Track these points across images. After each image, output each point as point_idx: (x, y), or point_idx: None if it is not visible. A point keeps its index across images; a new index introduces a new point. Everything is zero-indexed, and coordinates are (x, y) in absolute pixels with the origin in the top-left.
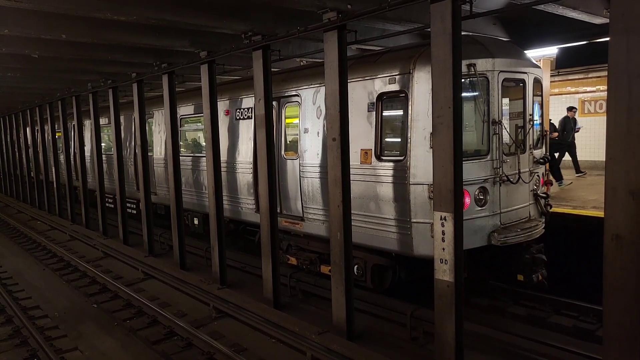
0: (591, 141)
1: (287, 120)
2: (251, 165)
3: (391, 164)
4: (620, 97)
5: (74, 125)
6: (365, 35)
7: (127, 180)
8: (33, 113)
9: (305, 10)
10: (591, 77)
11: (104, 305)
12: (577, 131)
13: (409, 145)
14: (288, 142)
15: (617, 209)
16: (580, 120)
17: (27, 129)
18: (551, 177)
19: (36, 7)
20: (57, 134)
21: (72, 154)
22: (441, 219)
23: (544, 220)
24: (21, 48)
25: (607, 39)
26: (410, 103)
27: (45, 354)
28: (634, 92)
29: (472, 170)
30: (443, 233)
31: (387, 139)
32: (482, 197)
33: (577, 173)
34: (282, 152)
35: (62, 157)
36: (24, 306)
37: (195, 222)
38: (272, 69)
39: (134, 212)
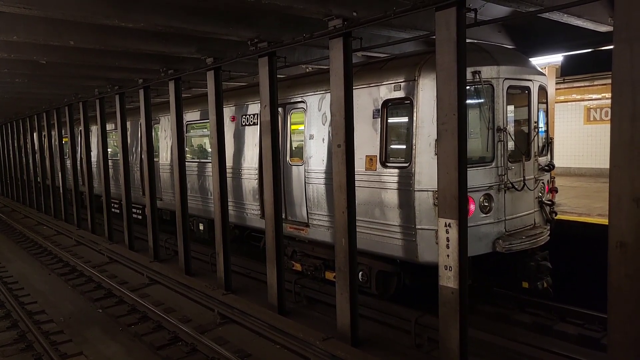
0: (597, 149)
1: (293, 127)
2: (256, 171)
3: (396, 170)
4: (624, 105)
5: (80, 130)
6: (371, 42)
7: (133, 186)
8: (40, 118)
9: (311, 18)
10: (596, 85)
11: (109, 310)
12: None
13: (413, 151)
14: (293, 149)
15: (621, 216)
16: (586, 128)
17: (34, 134)
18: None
19: (45, 14)
20: (64, 140)
21: (78, 159)
22: (446, 225)
23: (549, 227)
24: (29, 54)
25: (612, 47)
26: (415, 110)
27: (50, 358)
28: (638, 100)
29: (477, 177)
30: (447, 240)
31: (392, 146)
32: (486, 204)
33: None
34: (288, 158)
35: (68, 163)
36: (30, 311)
37: (201, 227)
38: (278, 76)
39: (140, 217)
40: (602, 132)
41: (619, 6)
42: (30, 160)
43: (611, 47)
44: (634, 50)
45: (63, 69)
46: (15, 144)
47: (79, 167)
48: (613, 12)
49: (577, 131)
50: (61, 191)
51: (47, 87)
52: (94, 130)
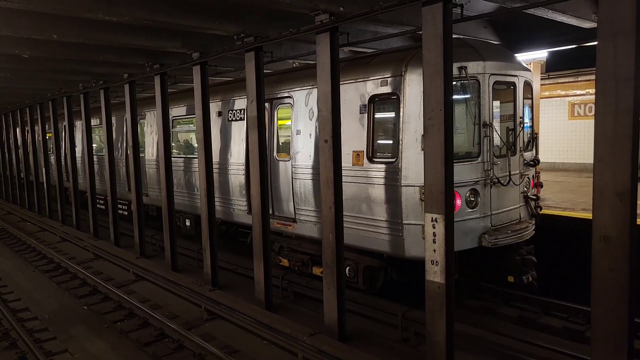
0: (581, 144)
1: (280, 122)
2: (243, 167)
3: (383, 165)
4: (607, 100)
5: (64, 125)
6: (358, 37)
7: (119, 182)
8: (23, 113)
9: (297, 12)
10: (581, 81)
11: (94, 307)
12: None
13: (400, 147)
14: (280, 144)
15: (605, 210)
16: (570, 123)
17: (17, 130)
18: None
19: (27, 7)
20: (47, 135)
21: (62, 154)
22: (432, 220)
23: (534, 222)
24: (11, 48)
25: (596, 43)
26: (401, 105)
27: (35, 356)
28: (621, 95)
29: (463, 172)
30: (434, 235)
31: (378, 141)
32: (473, 199)
33: None
34: (275, 154)
35: (52, 158)
36: (13, 308)
37: (187, 223)
38: (265, 71)
39: (125, 213)
40: (586, 128)
41: (602, 2)
42: (14, 156)
43: (595, 43)
44: (617, 46)
45: (46, 63)
46: None
47: (63, 163)
48: (597, 8)
49: (562, 127)
50: (45, 187)
51: (30, 82)
52: (79, 125)
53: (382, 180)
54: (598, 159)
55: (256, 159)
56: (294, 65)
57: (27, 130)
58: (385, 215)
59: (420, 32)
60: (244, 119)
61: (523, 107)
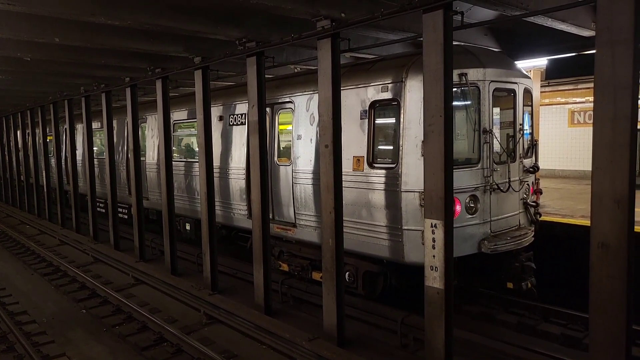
0: (580, 151)
1: (281, 127)
2: (244, 171)
3: (383, 171)
4: (606, 108)
5: (65, 128)
6: (359, 43)
7: (119, 185)
8: (24, 116)
9: (299, 18)
10: (580, 88)
11: (93, 310)
12: None
13: (400, 152)
14: (281, 149)
15: (603, 217)
16: (570, 130)
17: (18, 132)
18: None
19: (29, 10)
20: (48, 138)
21: (63, 157)
22: (432, 226)
23: (533, 228)
24: (13, 51)
25: (594, 51)
26: (402, 111)
27: None
28: (619, 103)
29: (463, 179)
30: (433, 240)
31: (379, 147)
32: (472, 205)
33: None
34: (275, 159)
35: (53, 161)
36: (11, 311)
37: (187, 227)
38: (266, 76)
39: (126, 217)
40: (586, 135)
41: (601, 11)
42: (14, 159)
43: (594, 51)
44: (615, 54)
45: (48, 66)
46: None
47: (63, 166)
48: (596, 16)
49: (562, 134)
50: (45, 190)
51: (31, 85)
52: (80, 128)
53: (382, 186)
54: (596, 166)
55: (257, 163)
56: (295, 70)
57: (28, 133)
58: (385, 220)
59: (421, 39)
60: (245, 124)
61: (523, 114)
